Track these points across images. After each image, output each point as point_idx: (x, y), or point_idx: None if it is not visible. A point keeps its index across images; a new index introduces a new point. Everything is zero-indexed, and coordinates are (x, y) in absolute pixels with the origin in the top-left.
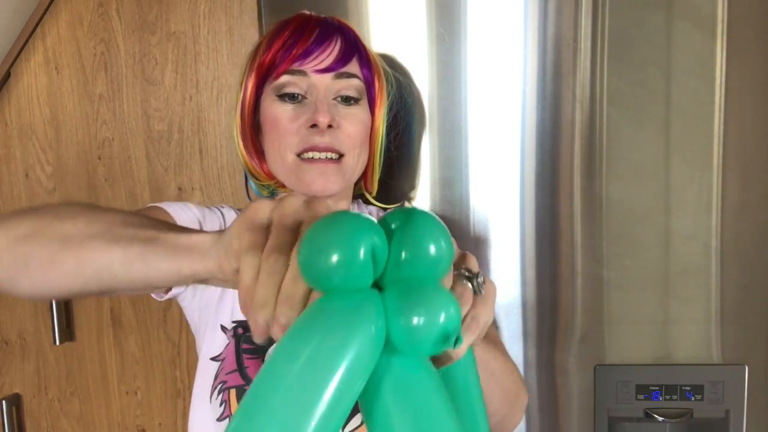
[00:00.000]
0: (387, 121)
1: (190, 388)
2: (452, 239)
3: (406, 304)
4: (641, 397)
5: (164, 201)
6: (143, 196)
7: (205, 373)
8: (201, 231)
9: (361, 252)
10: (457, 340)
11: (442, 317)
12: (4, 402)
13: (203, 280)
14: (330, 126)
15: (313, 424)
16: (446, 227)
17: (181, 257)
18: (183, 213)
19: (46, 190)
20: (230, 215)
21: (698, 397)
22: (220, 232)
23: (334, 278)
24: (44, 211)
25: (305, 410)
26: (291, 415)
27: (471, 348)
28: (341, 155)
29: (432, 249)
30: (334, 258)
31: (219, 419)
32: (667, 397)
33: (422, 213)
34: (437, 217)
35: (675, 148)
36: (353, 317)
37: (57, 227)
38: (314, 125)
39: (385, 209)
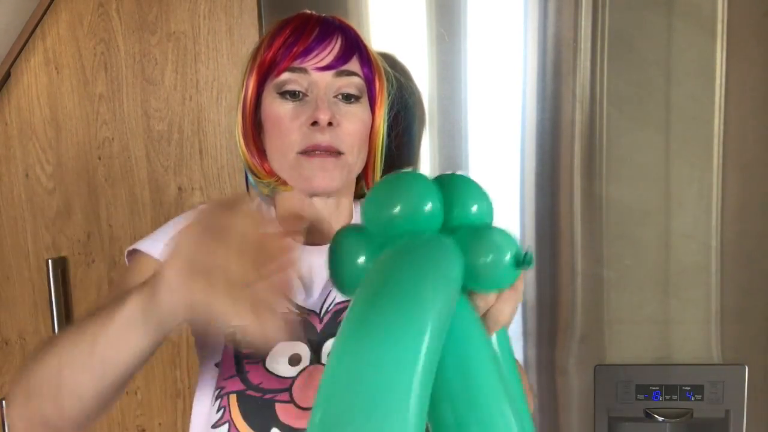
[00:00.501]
0: (388, 120)
1: (190, 388)
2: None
3: (480, 243)
4: (641, 397)
5: (163, 207)
6: (143, 196)
7: (207, 378)
8: (124, 301)
9: (426, 199)
10: (528, 259)
11: (512, 246)
12: (4, 402)
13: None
14: (330, 124)
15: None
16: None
17: (125, 345)
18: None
19: (46, 190)
20: None
21: (698, 397)
22: (149, 287)
23: (406, 222)
24: (26, 370)
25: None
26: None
27: (506, 330)
28: (340, 153)
29: (478, 202)
30: (405, 204)
31: (214, 426)
32: (667, 397)
33: (462, 175)
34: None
35: (675, 148)
36: (440, 247)
37: (35, 382)
38: (315, 123)
39: None
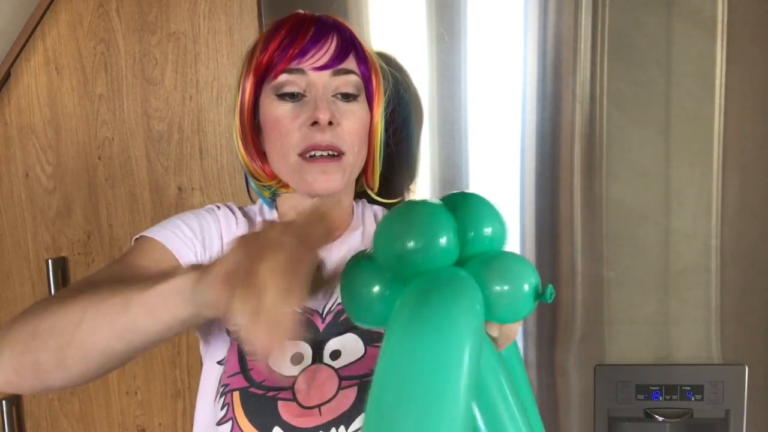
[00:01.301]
0: (385, 116)
1: (190, 388)
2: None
3: (498, 275)
4: (641, 397)
5: (163, 207)
6: (143, 196)
7: (210, 376)
8: (174, 274)
9: (441, 233)
10: (549, 294)
11: (530, 277)
12: (4, 402)
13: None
14: (330, 123)
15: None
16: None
17: (160, 313)
18: (177, 239)
19: (46, 190)
20: (227, 219)
21: (698, 397)
22: (202, 270)
23: (421, 259)
24: (30, 316)
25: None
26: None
27: (516, 344)
28: (341, 153)
29: (492, 224)
30: (419, 240)
31: (219, 423)
32: (667, 397)
33: (475, 195)
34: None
35: (675, 148)
36: (460, 287)
37: (45, 327)
38: (315, 123)
39: (389, 207)
